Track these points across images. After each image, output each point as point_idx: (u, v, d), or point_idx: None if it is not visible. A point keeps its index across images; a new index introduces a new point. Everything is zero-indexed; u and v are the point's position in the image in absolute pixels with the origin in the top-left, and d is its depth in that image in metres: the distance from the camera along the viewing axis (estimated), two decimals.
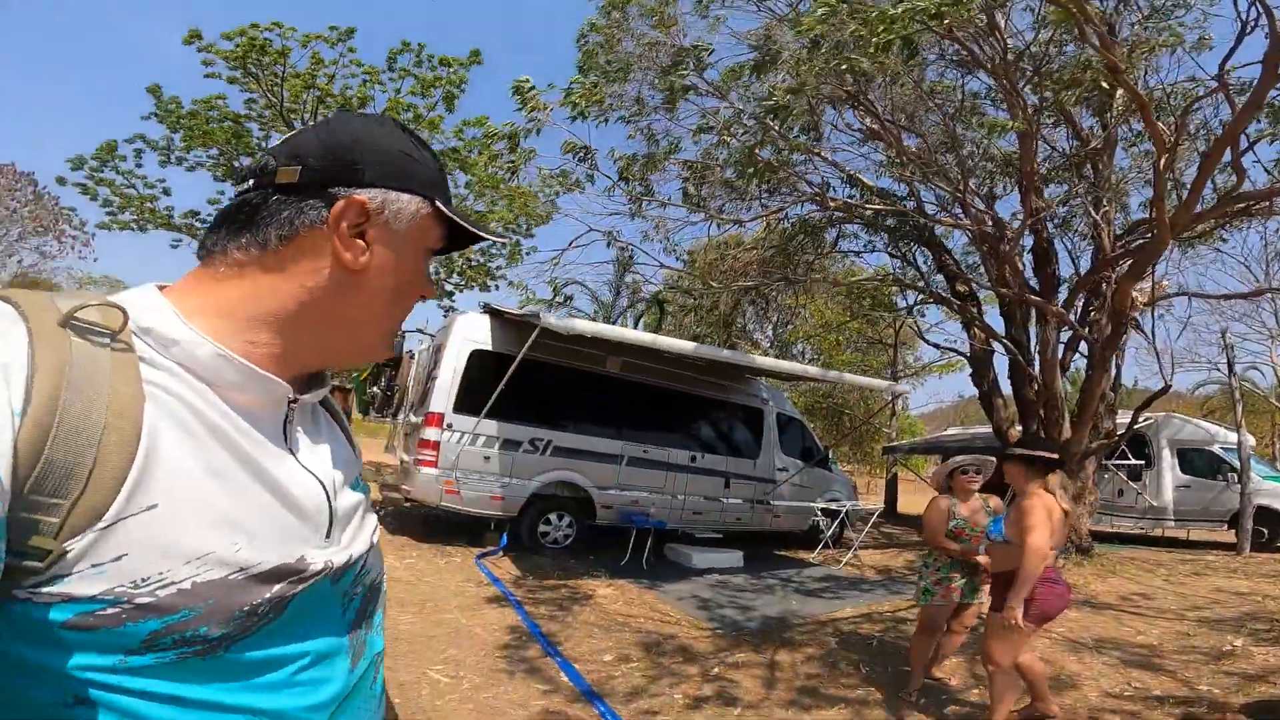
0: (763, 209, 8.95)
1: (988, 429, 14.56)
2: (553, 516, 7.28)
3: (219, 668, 0.51)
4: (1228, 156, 5.53)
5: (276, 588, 0.54)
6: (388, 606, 3.98)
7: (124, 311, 0.52)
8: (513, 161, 7.52)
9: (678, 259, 12.81)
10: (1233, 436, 10.83)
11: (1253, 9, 4.84)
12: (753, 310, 15.72)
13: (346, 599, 0.63)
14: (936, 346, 10.85)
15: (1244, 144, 5.54)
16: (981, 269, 10.18)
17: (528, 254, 12.35)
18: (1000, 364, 9.80)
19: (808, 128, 7.83)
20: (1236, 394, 10.74)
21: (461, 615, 4.58)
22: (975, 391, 10.17)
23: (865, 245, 10.53)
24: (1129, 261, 7.51)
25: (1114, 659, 4.65)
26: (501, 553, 6.72)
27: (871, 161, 9.33)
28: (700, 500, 8.27)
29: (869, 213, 8.60)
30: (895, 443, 16.08)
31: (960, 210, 8.96)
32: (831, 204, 7.95)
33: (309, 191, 0.59)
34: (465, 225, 0.66)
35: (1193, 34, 6.55)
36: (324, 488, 0.61)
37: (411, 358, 8.59)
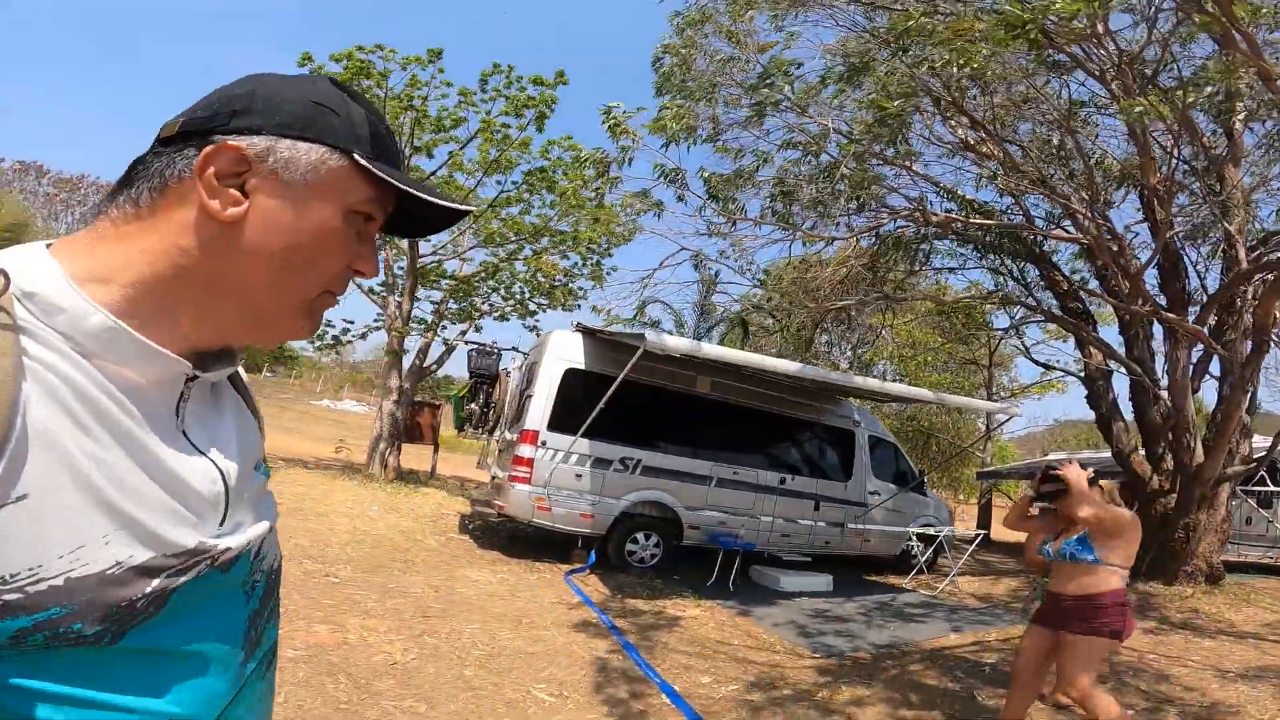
0: (849, 228, 8.73)
1: (1090, 453, 13.56)
2: (640, 536, 7.25)
3: (98, 665, 0.48)
4: None
5: (156, 582, 0.50)
6: (486, 620, 4.04)
7: (4, 274, 0.47)
8: (599, 187, 7.68)
9: (753, 278, 12.71)
10: None
11: None
12: (833, 330, 15.30)
13: (246, 588, 0.59)
14: (1046, 367, 10.16)
15: None
16: (1094, 284, 9.53)
17: (609, 273, 12.47)
18: (1119, 386, 9.11)
19: (897, 140, 7.59)
20: None
21: (558, 633, 4.60)
22: (1069, 415, 9.50)
23: (963, 261, 10.08)
24: (1271, 275, 6.82)
25: (1269, 688, 4.19)
26: (589, 570, 6.73)
27: (966, 174, 8.95)
28: (788, 523, 8.05)
29: (972, 229, 8.21)
30: (990, 467, 15.16)
31: (1071, 223, 8.43)
32: (933, 219, 7.62)
33: (185, 140, 0.54)
34: (396, 182, 0.57)
35: None
36: (221, 473, 0.57)
37: (507, 375, 8.84)
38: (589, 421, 6.45)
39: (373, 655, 3.61)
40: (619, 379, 6.22)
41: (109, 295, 0.51)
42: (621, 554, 7.10)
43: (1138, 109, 5.64)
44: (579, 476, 7.00)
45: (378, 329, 11.91)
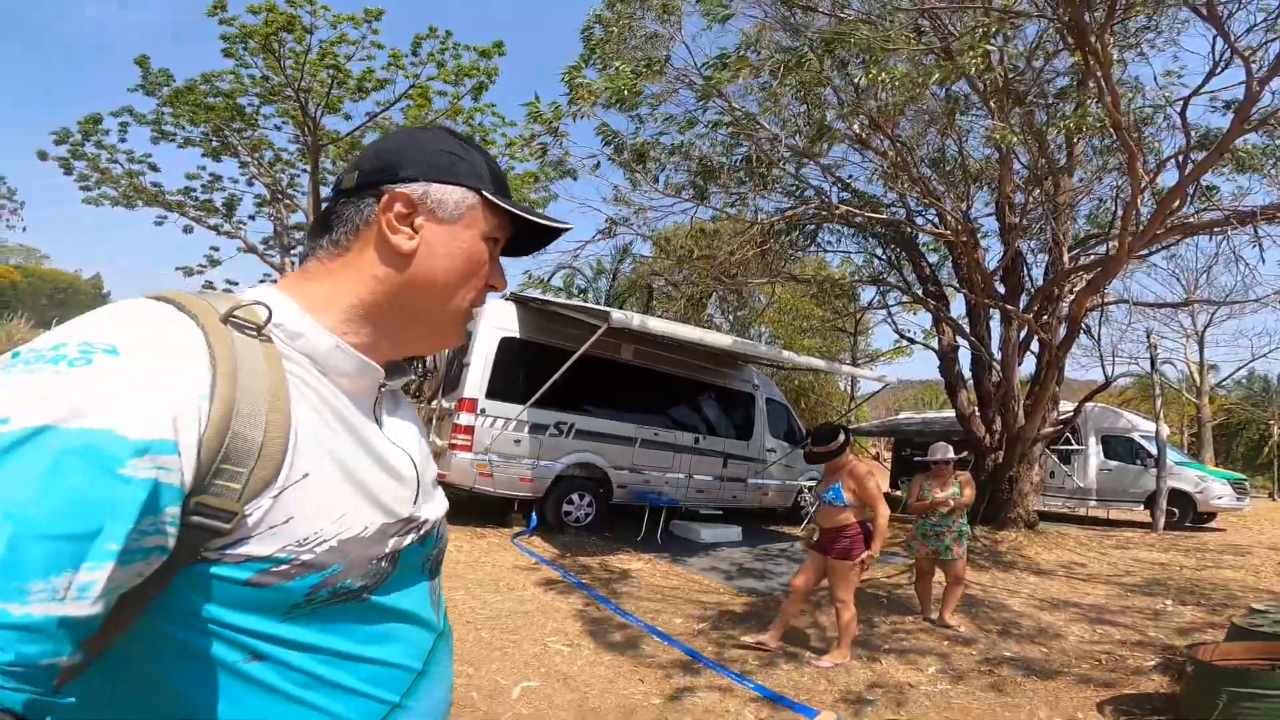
0: (757, 209, 9.56)
1: (938, 414, 15.92)
2: (575, 496, 7.78)
3: (357, 621, 0.60)
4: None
5: (391, 541, 0.62)
6: (469, 586, 4.41)
7: (269, 309, 0.60)
8: (545, 143, 7.81)
9: (652, 244, 13.30)
10: (1148, 425, 12.32)
11: (1226, 53, 5.50)
12: (724, 297, 16.38)
13: (429, 563, 0.71)
14: (909, 340, 11.76)
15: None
16: (951, 272, 11.15)
17: None
18: (962, 357, 10.84)
19: (825, 148, 8.42)
20: (1157, 389, 12.19)
21: (537, 592, 5.06)
22: (911, 378, 11.17)
23: (841, 241, 11.32)
24: (1087, 276, 8.50)
25: (1076, 614, 5.61)
26: (531, 533, 7.17)
27: (858, 167, 10.08)
28: (704, 479, 8.92)
29: (860, 219, 9.32)
30: (855, 425, 17.25)
31: (937, 217, 9.82)
32: (836, 210, 8.57)
33: (364, 191, 0.69)
34: (518, 212, 0.71)
35: (1163, 58, 7.49)
36: (412, 460, 0.70)
37: None
38: (540, 392, 6.80)
39: None
40: (577, 354, 6.59)
41: (328, 321, 0.65)
42: (559, 515, 7.60)
43: (1010, 137, 6.81)
44: (517, 442, 7.33)
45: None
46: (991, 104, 7.42)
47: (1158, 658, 4.43)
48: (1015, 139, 6.91)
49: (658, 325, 7.18)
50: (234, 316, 0.57)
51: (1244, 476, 13.74)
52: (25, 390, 0.44)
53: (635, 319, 6.85)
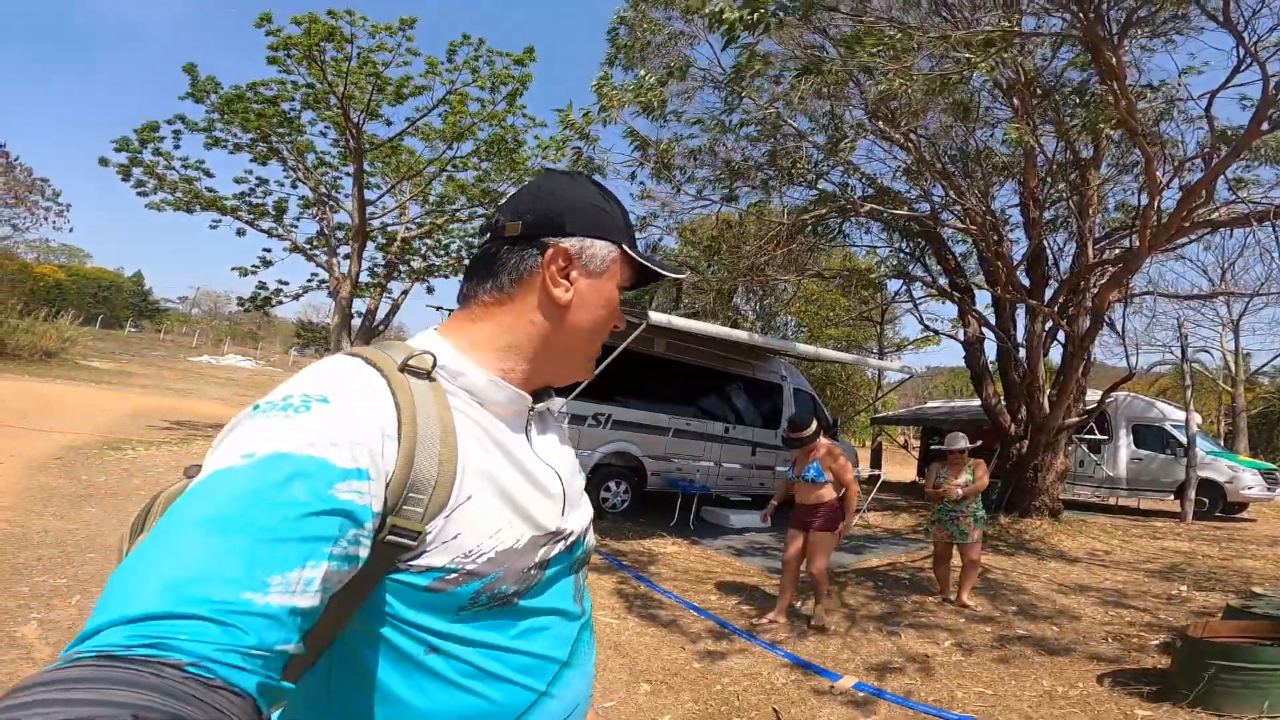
0: (783, 206, 9.84)
1: (965, 403, 16.02)
2: (612, 484, 8.23)
3: (511, 619, 0.67)
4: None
5: (541, 551, 0.69)
6: None
7: (434, 356, 0.69)
8: (579, 147, 8.20)
9: (678, 237, 13.63)
10: (1180, 415, 12.32)
11: (1247, 58, 5.65)
12: (746, 289, 16.63)
13: (574, 565, 0.78)
14: (935, 332, 11.94)
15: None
16: (977, 264, 11.28)
17: None
18: (988, 349, 11.00)
19: (846, 150, 8.65)
20: (1187, 379, 12.17)
21: (606, 579, 5.50)
22: (938, 364, 11.34)
23: (878, 240, 11.53)
24: (1109, 270, 8.62)
25: (1094, 598, 5.88)
26: None
27: (882, 164, 10.27)
28: (732, 467, 9.31)
29: (886, 215, 9.53)
30: (883, 414, 17.44)
31: (961, 211, 9.97)
32: (861, 208, 8.82)
33: (528, 242, 0.75)
34: (650, 265, 0.80)
35: (1184, 56, 7.54)
36: (559, 476, 0.77)
37: None
38: (582, 386, 7.22)
39: None
40: (618, 350, 7.01)
41: (485, 357, 0.73)
42: (597, 501, 8.05)
43: (1026, 138, 6.99)
44: None
45: (313, 289, 11.85)
46: (1015, 100, 7.58)
47: (1164, 638, 4.71)
48: (1030, 140, 7.08)
49: (691, 325, 7.55)
50: (408, 366, 0.66)
51: (1275, 466, 13.60)
52: (264, 431, 0.54)
53: (671, 320, 7.23)
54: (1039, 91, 7.65)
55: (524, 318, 0.75)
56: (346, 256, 10.87)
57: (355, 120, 9.57)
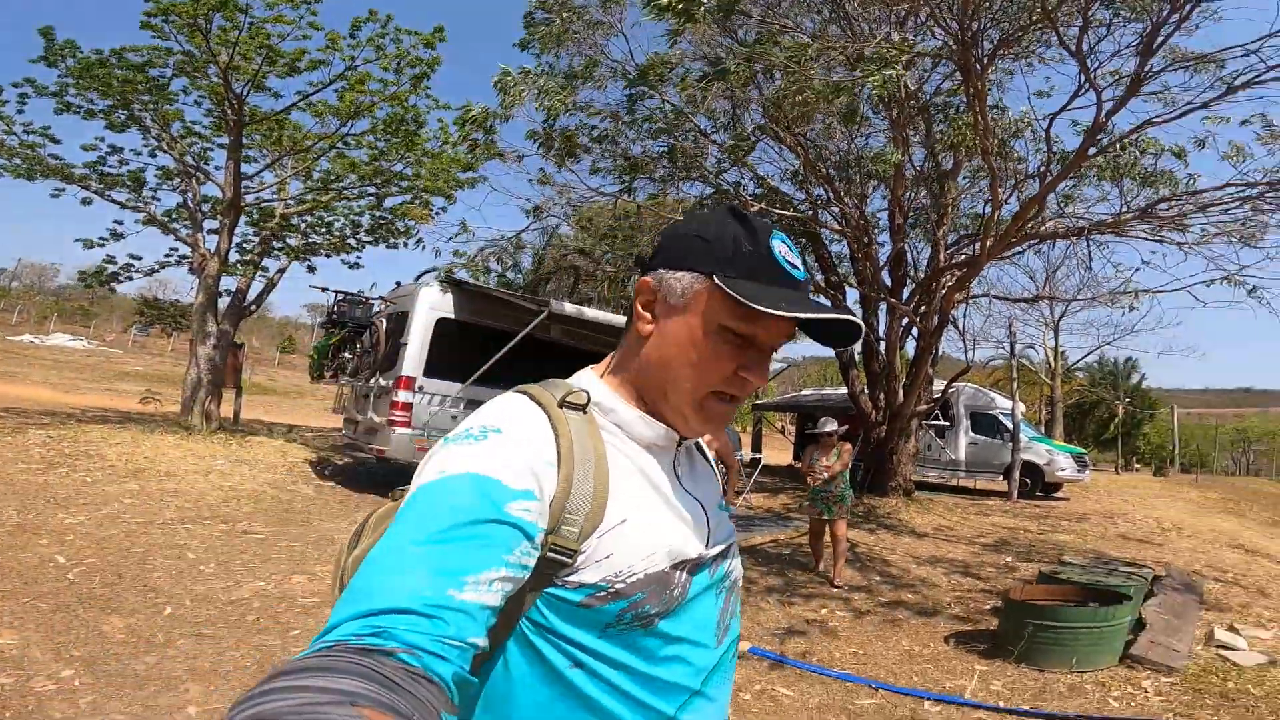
0: (676, 194, 10.24)
1: (835, 390, 17.36)
2: None
3: (650, 641, 0.69)
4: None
5: (684, 576, 0.71)
6: None
7: (588, 394, 0.74)
8: (478, 140, 8.05)
9: (574, 226, 13.73)
10: (1008, 403, 14.08)
11: (1086, 84, 6.47)
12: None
13: (719, 591, 0.78)
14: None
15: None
16: (849, 263, 12.28)
17: (438, 213, 12.48)
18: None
19: (734, 133, 9.11)
20: (1014, 372, 13.95)
21: None
22: (815, 355, 12.32)
23: None
24: (957, 273, 9.74)
25: (943, 568, 6.73)
26: None
27: (776, 167, 10.92)
28: None
29: (774, 214, 10.16)
30: (763, 400, 18.48)
31: (839, 214, 10.84)
32: (752, 207, 9.33)
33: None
34: (739, 300, 0.68)
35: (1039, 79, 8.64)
36: (702, 506, 0.79)
37: (383, 323, 8.90)
38: (482, 370, 7.21)
39: None
40: (519, 337, 7.02)
41: (628, 394, 0.77)
42: None
43: (896, 157, 7.74)
44: (454, 418, 7.69)
45: (171, 264, 10.78)
46: (893, 113, 8.35)
47: (996, 603, 5.52)
48: (899, 158, 7.84)
49: (592, 314, 7.70)
50: (566, 401, 0.72)
51: (1084, 450, 15.77)
52: (452, 457, 0.63)
53: (573, 308, 7.34)
54: (914, 106, 8.47)
55: (634, 353, 0.77)
56: (214, 232, 9.96)
57: (238, 92, 8.79)
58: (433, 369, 7.52)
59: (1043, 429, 22.15)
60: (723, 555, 0.80)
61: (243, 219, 10.38)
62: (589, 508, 0.66)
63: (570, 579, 0.65)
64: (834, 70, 7.18)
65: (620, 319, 8.62)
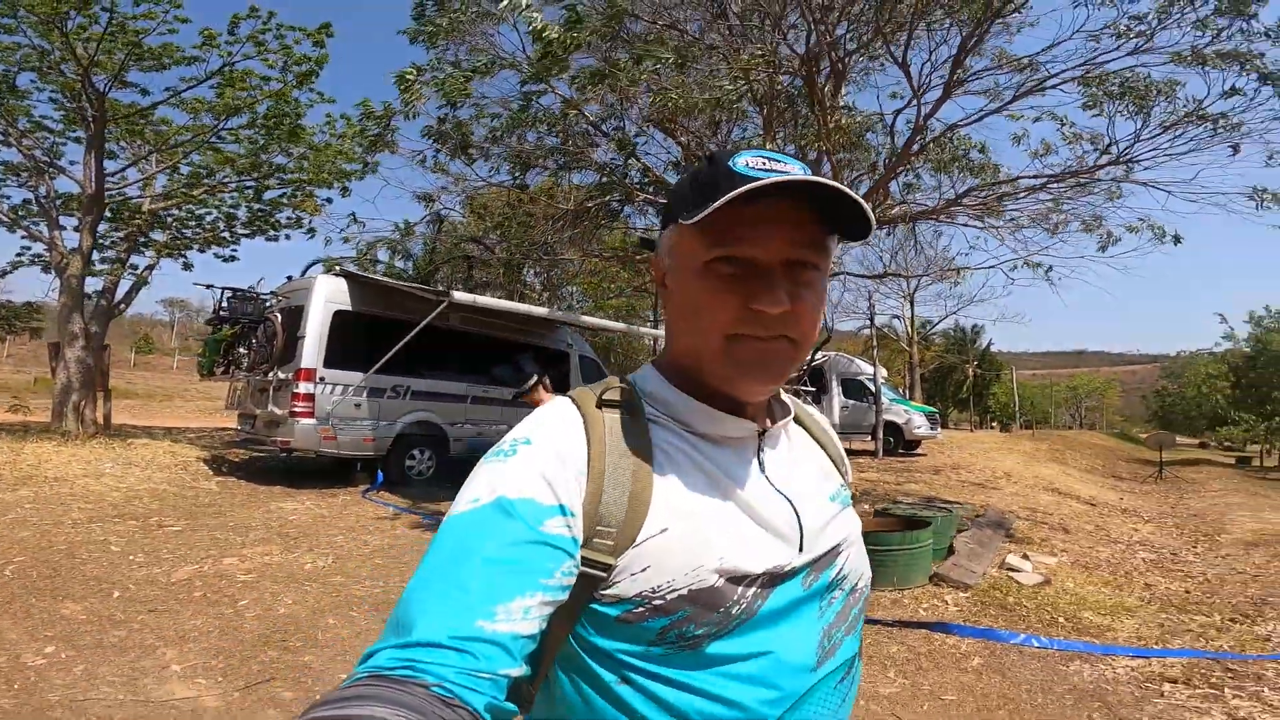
0: (565, 191, 10.79)
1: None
2: (416, 452, 8.54)
3: (703, 659, 0.62)
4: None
5: (750, 592, 0.64)
6: (361, 533, 5.27)
7: (633, 386, 0.72)
8: (378, 135, 8.15)
9: (466, 212, 13.90)
10: (871, 369, 15.78)
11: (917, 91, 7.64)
12: (537, 262, 17.35)
13: (824, 602, 0.70)
14: None
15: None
16: None
17: (324, 204, 12.28)
18: None
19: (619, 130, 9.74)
20: (874, 341, 15.64)
21: (410, 532, 5.94)
22: None
23: (654, 220, 12.99)
24: None
25: None
26: (379, 488, 7.85)
27: (659, 159, 11.66)
28: None
29: (659, 203, 10.92)
30: None
31: None
32: (638, 196, 10.04)
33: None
34: (692, 220, 0.61)
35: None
36: (793, 507, 0.70)
37: (277, 318, 8.78)
38: (385, 359, 7.47)
39: (306, 566, 4.61)
40: (420, 327, 7.30)
41: (679, 379, 0.71)
42: (403, 470, 8.34)
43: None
44: (358, 406, 7.92)
45: (24, 264, 10.04)
46: (763, 110, 9.28)
47: None
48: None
49: (487, 302, 8.12)
50: (604, 400, 0.68)
51: (934, 410, 17.87)
52: (485, 478, 0.62)
53: (473, 298, 7.74)
54: (781, 104, 9.44)
55: (669, 331, 0.73)
56: (76, 229, 9.38)
57: (100, 88, 8.34)
58: (333, 359, 7.69)
59: (906, 392, 24.69)
60: (829, 560, 0.71)
61: (106, 215, 9.82)
62: (624, 517, 0.62)
63: (606, 593, 0.62)
64: (715, 70, 7.93)
65: (519, 306, 9.09)
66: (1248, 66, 7.03)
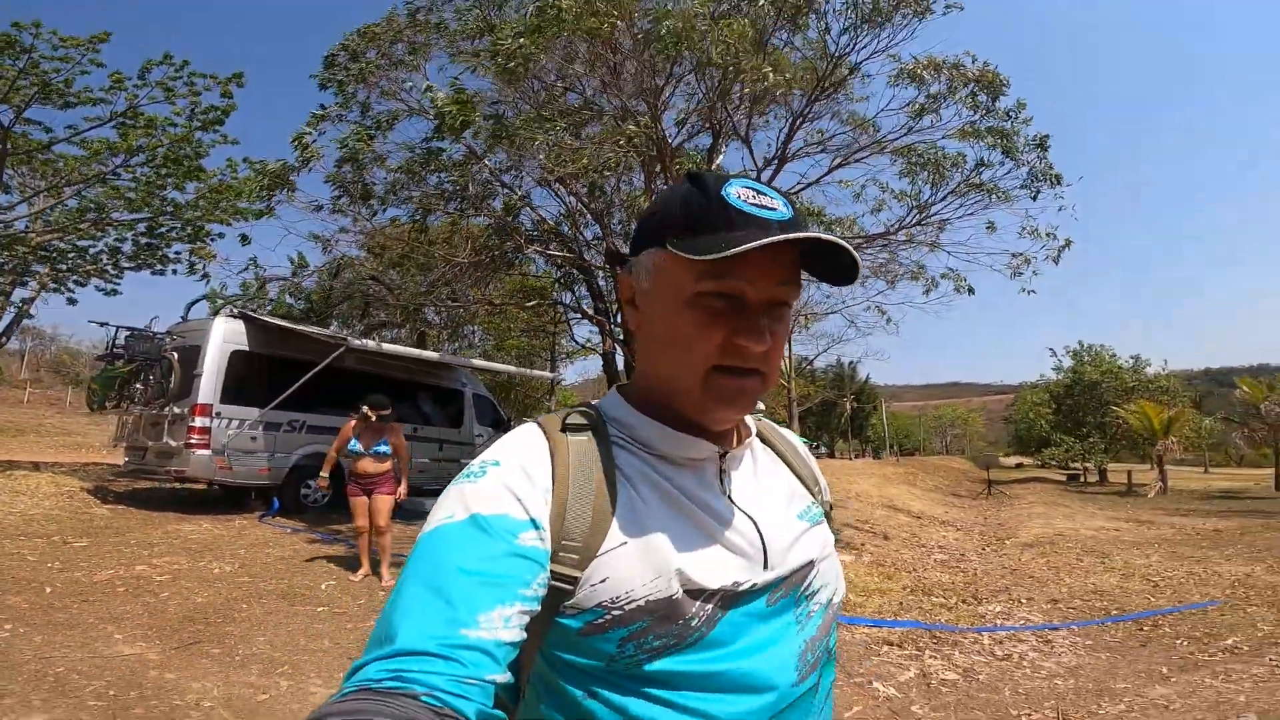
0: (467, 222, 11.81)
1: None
2: (310, 482, 9.10)
3: (667, 673, 0.63)
4: None
5: (709, 608, 0.65)
6: (262, 548, 5.99)
7: (598, 411, 0.74)
8: (277, 180, 8.81)
9: (369, 250, 14.51)
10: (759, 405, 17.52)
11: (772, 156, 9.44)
12: (438, 303, 17.99)
13: (800, 617, 0.71)
14: (583, 346, 15.03)
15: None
16: (615, 292, 14.65)
17: (215, 240, 12.56)
18: (619, 360, 14.48)
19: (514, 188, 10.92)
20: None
21: (309, 546, 6.63)
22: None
23: (543, 266, 14.18)
24: None
25: None
26: (275, 514, 8.39)
27: (549, 212, 12.93)
28: (422, 461, 10.83)
29: (550, 251, 12.14)
30: (556, 413, 20.44)
31: (605, 249, 13.15)
32: (528, 248, 11.21)
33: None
34: (685, 256, 0.64)
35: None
36: (755, 524, 0.71)
37: (174, 356, 9.11)
38: (282, 398, 8.11)
39: (214, 570, 5.27)
40: (316, 369, 8.03)
41: (647, 402, 0.73)
42: (297, 498, 8.89)
43: (643, 203, 10.13)
44: (254, 439, 8.48)
45: None
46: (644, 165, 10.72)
47: None
48: (645, 204, 10.27)
49: (386, 348, 8.98)
50: (567, 425, 0.71)
51: (812, 441, 19.82)
52: (458, 497, 0.64)
53: (371, 344, 8.58)
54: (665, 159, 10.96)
55: (640, 355, 0.75)
56: None
57: (4, 123, 8.62)
58: (230, 395, 8.27)
59: (789, 425, 26.98)
60: (801, 576, 0.72)
61: None
62: (588, 533, 0.64)
63: (570, 606, 0.63)
64: (602, 135, 9.23)
65: (412, 350, 9.97)
66: (1000, 142, 9.09)
